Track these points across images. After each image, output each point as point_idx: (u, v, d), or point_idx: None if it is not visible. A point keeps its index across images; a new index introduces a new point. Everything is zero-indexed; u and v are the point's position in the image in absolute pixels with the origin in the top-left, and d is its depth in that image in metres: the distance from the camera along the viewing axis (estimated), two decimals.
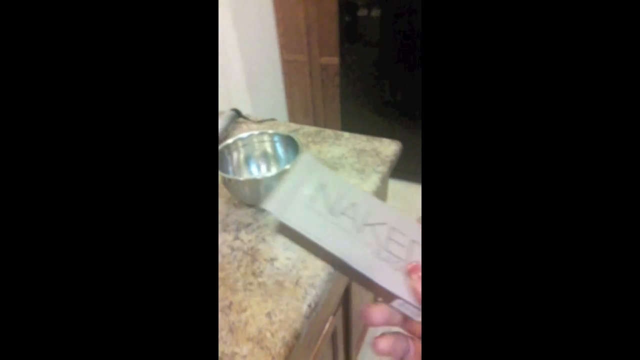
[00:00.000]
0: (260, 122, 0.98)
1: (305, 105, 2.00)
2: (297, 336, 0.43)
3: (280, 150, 0.69)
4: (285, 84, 1.98)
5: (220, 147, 0.63)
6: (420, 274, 0.20)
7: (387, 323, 0.21)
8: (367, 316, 0.20)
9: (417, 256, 0.21)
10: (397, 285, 0.20)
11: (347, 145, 0.81)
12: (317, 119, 2.01)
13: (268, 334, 0.43)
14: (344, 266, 0.20)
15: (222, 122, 0.88)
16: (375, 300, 0.22)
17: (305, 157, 0.22)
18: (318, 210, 0.21)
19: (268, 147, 0.69)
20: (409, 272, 0.20)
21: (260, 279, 0.50)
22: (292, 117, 2.09)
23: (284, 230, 0.20)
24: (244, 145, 0.67)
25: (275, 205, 0.20)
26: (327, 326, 0.63)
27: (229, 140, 0.65)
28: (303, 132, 0.90)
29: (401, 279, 0.20)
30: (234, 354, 0.40)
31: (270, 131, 0.68)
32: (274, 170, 0.70)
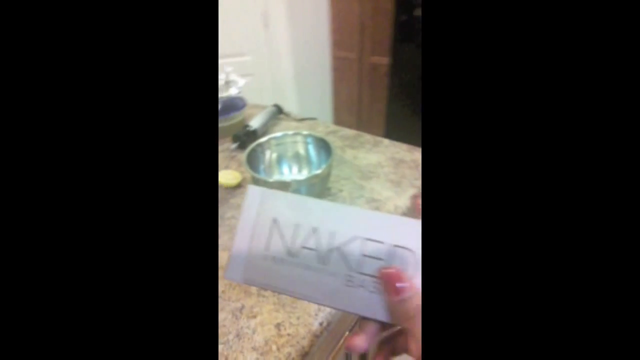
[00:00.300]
0: (301, 120, 0.97)
1: (351, 104, 1.96)
2: (303, 354, 0.41)
3: (312, 152, 0.67)
4: (333, 81, 1.96)
5: (253, 145, 0.63)
6: (395, 287, 0.19)
7: (369, 346, 0.21)
8: (350, 346, 0.20)
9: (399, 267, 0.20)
10: (373, 309, 0.19)
11: (385, 153, 0.77)
12: (362, 119, 1.96)
13: (274, 347, 0.41)
14: (321, 305, 0.19)
15: (262, 118, 0.89)
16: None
17: (251, 191, 0.21)
18: (276, 257, 0.19)
19: (301, 149, 0.68)
20: (383, 288, 0.19)
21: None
22: (337, 115, 2.07)
23: (251, 285, 0.20)
24: (277, 145, 0.66)
25: (233, 272, 0.20)
26: (341, 342, 0.61)
27: (263, 139, 0.65)
28: (341, 134, 0.87)
29: (378, 300, 0.19)
30: None
31: (305, 132, 0.66)
32: (304, 173, 0.68)
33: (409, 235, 0.19)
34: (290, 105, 1.76)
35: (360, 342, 0.20)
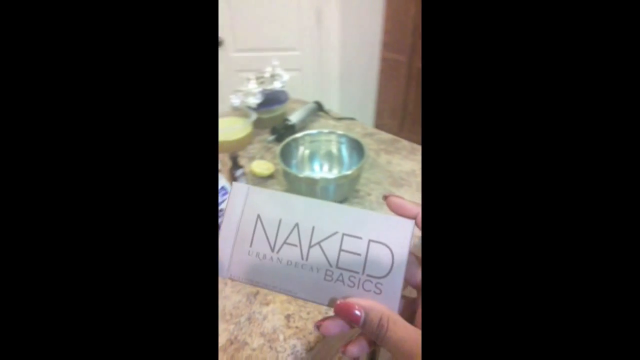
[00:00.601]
0: (339, 119, 0.98)
1: (395, 107, 1.92)
2: (308, 349, 0.42)
3: (345, 153, 0.67)
4: (378, 83, 1.93)
5: (289, 139, 0.65)
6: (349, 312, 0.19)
7: (340, 333, 0.21)
8: (322, 329, 0.21)
9: (375, 262, 0.20)
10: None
11: (421, 161, 0.75)
12: (404, 123, 1.92)
13: (281, 336, 0.42)
14: (301, 299, 0.20)
15: (302, 113, 0.90)
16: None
17: (235, 188, 0.21)
18: (259, 252, 0.20)
19: (334, 148, 0.68)
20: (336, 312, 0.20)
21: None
22: (379, 117, 2.04)
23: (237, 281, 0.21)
24: (311, 142, 0.68)
25: (219, 269, 0.21)
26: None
27: (299, 134, 0.66)
28: (378, 137, 0.86)
29: (356, 294, 0.20)
30: (245, 343, 0.41)
31: (340, 132, 0.67)
32: (335, 172, 0.69)
33: (387, 232, 0.20)
34: (333, 103, 1.77)
35: (354, 348, 0.20)
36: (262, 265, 0.20)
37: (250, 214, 0.21)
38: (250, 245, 0.20)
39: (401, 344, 0.18)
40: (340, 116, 0.99)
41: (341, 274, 0.20)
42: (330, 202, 0.21)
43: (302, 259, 0.20)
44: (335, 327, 0.20)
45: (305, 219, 0.20)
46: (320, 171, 0.69)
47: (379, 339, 0.19)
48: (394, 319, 0.19)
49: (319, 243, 0.20)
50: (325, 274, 0.20)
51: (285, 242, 0.20)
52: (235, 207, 0.21)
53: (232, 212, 0.21)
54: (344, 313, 0.19)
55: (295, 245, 0.20)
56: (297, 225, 0.20)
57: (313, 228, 0.20)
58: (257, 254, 0.20)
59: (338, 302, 0.19)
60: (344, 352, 0.21)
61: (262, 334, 0.43)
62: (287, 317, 0.45)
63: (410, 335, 0.18)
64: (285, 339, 0.42)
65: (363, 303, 0.19)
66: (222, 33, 1.63)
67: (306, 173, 0.68)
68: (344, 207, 0.21)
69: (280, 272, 0.20)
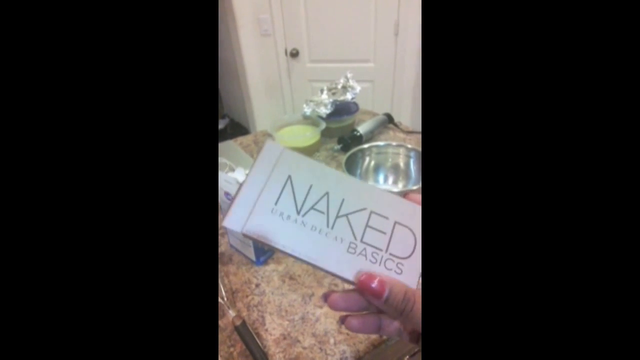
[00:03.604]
0: (409, 132, 0.96)
1: None
2: (357, 358, 0.42)
3: (412, 167, 0.66)
4: None
5: (355, 149, 0.66)
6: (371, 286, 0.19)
7: (349, 309, 0.20)
8: (330, 302, 0.20)
9: (399, 242, 0.20)
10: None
11: None
12: None
13: (332, 340, 0.43)
14: (317, 267, 0.19)
15: (371, 124, 0.91)
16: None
17: (268, 146, 0.21)
18: (284, 212, 0.20)
19: (401, 161, 0.67)
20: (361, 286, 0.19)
21: (346, 285, 0.50)
22: None
23: (249, 238, 0.20)
24: (378, 153, 0.68)
25: (234, 220, 0.19)
26: None
27: (365, 145, 0.67)
28: None
29: (377, 271, 0.19)
30: (297, 341, 0.43)
31: (409, 145, 0.66)
32: (400, 186, 0.68)
33: (411, 217, 0.20)
34: (405, 117, 1.73)
35: (355, 321, 0.20)
36: (284, 226, 0.19)
37: (280, 174, 0.20)
38: (276, 204, 0.20)
39: None
40: (411, 129, 0.97)
41: (365, 249, 0.19)
42: (362, 181, 0.21)
43: (328, 227, 0.20)
44: (343, 301, 0.20)
45: (337, 190, 0.20)
46: (385, 183, 0.69)
47: (404, 315, 0.18)
48: (419, 294, 0.18)
49: (346, 215, 0.20)
50: (349, 246, 0.20)
51: (312, 208, 0.20)
52: (265, 164, 0.21)
53: (261, 168, 0.20)
54: (367, 285, 0.18)
55: (323, 213, 0.20)
56: (327, 194, 0.20)
57: (343, 200, 0.20)
58: (282, 214, 0.20)
59: (362, 274, 0.19)
60: (343, 322, 0.21)
61: (314, 335, 0.44)
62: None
63: None
64: (335, 343, 0.43)
65: (386, 278, 0.19)
66: (297, 44, 1.72)
67: (370, 183, 0.68)
68: (374, 187, 0.21)
69: (302, 236, 0.19)
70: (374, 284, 0.18)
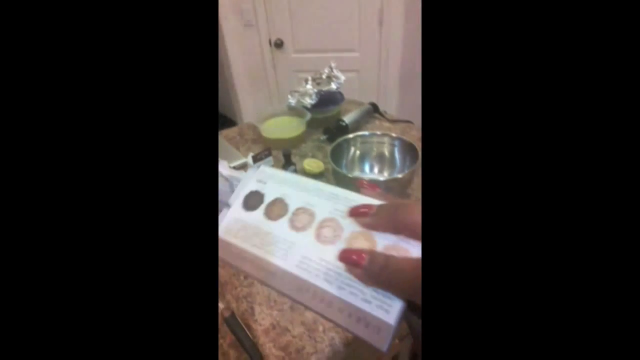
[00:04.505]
0: (394, 121, 0.96)
1: None
2: (346, 344, 0.43)
3: (397, 156, 0.67)
4: None
5: (340, 139, 0.66)
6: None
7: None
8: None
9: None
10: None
11: None
12: None
13: (320, 328, 0.44)
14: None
15: (356, 114, 0.91)
16: None
17: (251, 169, 0.24)
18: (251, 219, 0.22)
19: (386, 150, 0.68)
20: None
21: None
22: None
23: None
24: (363, 143, 0.68)
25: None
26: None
27: (350, 135, 0.67)
28: None
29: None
30: (286, 330, 0.44)
31: (394, 134, 0.66)
32: (385, 175, 0.69)
33: None
34: (390, 106, 1.74)
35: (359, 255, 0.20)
36: (251, 229, 0.22)
37: (255, 186, 0.23)
38: (246, 211, 0.22)
39: (402, 272, 0.18)
40: (396, 118, 0.98)
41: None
42: (330, 185, 0.22)
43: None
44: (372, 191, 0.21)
45: (304, 199, 0.22)
46: (370, 172, 0.70)
47: (387, 285, 0.19)
48: (395, 260, 0.19)
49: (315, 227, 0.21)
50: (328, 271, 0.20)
51: (281, 216, 0.22)
52: (246, 181, 0.24)
53: (242, 185, 0.24)
54: (347, 256, 0.20)
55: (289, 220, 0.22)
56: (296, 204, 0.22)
57: (312, 207, 0.21)
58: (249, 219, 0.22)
59: (341, 251, 0.20)
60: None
61: (303, 323, 0.45)
62: None
63: (411, 263, 0.18)
64: (324, 331, 0.44)
65: (366, 249, 0.20)
66: (281, 34, 1.70)
67: (355, 173, 0.69)
68: (342, 190, 0.22)
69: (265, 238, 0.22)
70: (356, 253, 0.20)
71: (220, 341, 0.43)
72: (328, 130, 0.85)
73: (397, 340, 0.63)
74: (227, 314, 0.44)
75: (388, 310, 0.18)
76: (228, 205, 0.24)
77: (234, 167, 0.48)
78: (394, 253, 0.19)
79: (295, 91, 0.90)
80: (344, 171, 0.59)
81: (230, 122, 2.32)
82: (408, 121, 0.97)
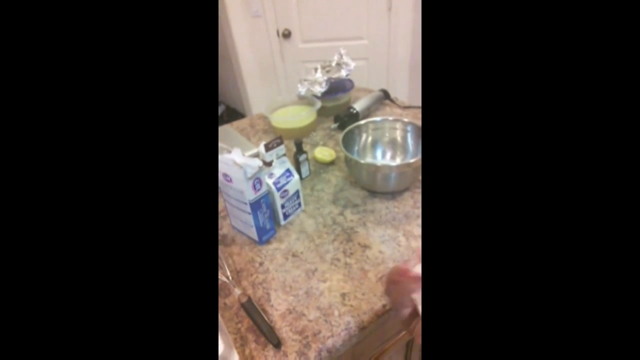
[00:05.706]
0: (406, 107, 0.95)
1: None
2: (362, 328, 0.43)
3: (410, 141, 0.66)
4: None
5: (351, 126, 0.65)
6: None
7: None
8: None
9: None
10: None
11: None
12: None
13: (336, 312, 0.44)
14: None
15: (367, 101, 0.90)
16: None
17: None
18: None
19: (398, 136, 0.67)
20: None
21: (348, 260, 0.51)
22: None
23: None
24: (374, 129, 0.67)
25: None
26: (403, 333, 0.60)
27: (362, 122, 0.66)
28: None
29: None
30: (302, 314, 0.44)
31: (406, 120, 0.65)
32: (397, 160, 0.68)
33: None
34: (401, 93, 1.71)
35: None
36: None
37: None
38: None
39: None
40: (407, 104, 0.96)
41: None
42: None
43: None
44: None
45: None
46: (383, 158, 0.69)
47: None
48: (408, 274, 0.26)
49: None
50: None
51: None
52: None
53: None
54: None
55: None
56: None
57: None
58: None
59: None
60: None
61: (319, 308, 0.45)
62: (343, 295, 0.46)
63: None
64: (339, 315, 0.44)
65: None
66: (289, 24, 1.68)
67: (368, 159, 0.68)
68: None
69: None
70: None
71: (239, 326, 0.44)
72: (339, 118, 0.85)
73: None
74: (244, 299, 0.45)
75: None
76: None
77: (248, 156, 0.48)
78: None
79: (305, 80, 0.89)
80: (356, 157, 0.58)
81: (240, 116, 2.32)
82: (419, 107, 0.95)
